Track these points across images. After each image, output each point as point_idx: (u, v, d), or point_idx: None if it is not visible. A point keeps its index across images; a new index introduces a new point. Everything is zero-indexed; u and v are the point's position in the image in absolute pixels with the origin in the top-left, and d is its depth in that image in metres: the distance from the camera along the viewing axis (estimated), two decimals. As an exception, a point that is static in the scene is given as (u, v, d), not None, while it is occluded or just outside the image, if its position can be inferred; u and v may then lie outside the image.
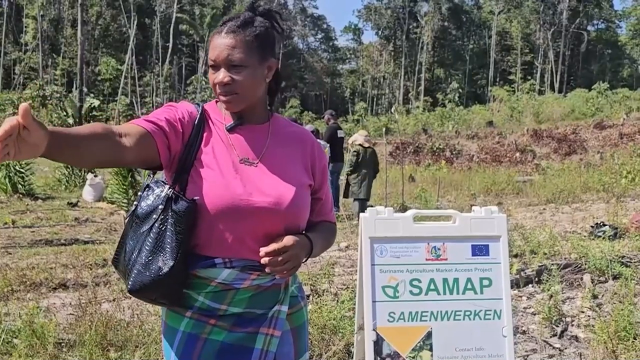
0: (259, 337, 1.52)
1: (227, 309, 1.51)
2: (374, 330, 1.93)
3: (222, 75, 1.49)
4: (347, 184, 9.21)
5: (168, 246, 1.46)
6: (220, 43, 1.50)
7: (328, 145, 9.60)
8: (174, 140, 1.49)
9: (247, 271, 1.50)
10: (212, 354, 1.50)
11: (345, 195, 9.39)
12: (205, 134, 1.55)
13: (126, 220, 1.59)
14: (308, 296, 4.10)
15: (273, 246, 1.45)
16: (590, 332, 3.76)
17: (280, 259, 1.45)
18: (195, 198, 1.47)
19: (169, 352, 1.54)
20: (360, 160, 9.07)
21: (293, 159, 1.61)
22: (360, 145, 9.18)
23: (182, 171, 1.51)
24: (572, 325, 3.99)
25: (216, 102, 1.64)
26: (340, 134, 10.21)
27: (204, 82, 45.52)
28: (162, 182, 1.56)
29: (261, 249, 1.45)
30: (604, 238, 6.35)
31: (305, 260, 1.58)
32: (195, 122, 1.54)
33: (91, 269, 5.31)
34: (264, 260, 1.44)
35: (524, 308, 4.36)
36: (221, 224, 1.47)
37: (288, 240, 1.47)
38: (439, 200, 11.33)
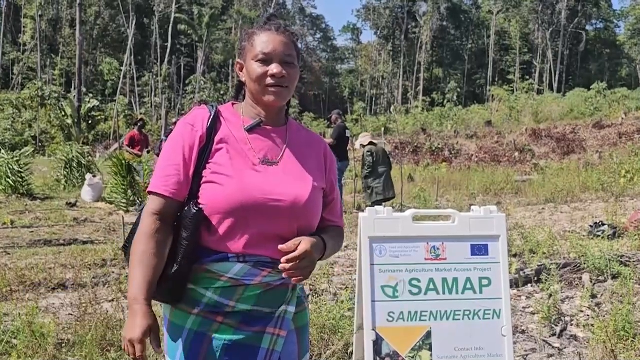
0: (265, 336, 1.52)
1: (235, 305, 1.51)
2: (373, 330, 1.93)
3: (278, 68, 1.53)
4: (367, 188, 9.07)
5: (174, 249, 1.51)
6: (275, 39, 1.54)
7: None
8: (190, 167, 1.54)
9: (259, 267, 1.51)
10: (219, 352, 1.50)
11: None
12: (217, 135, 1.56)
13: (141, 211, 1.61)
14: (307, 296, 4.10)
15: (294, 255, 1.46)
16: (589, 332, 3.76)
17: (298, 263, 1.46)
18: (202, 205, 1.49)
19: (173, 351, 1.53)
20: (376, 159, 8.98)
21: (309, 161, 1.64)
22: (370, 144, 9.12)
23: (195, 173, 1.53)
24: (571, 325, 3.99)
25: (232, 104, 1.66)
26: (347, 133, 10.25)
27: (202, 82, 45.43)
28: None
29: (283, 258, 1.46)
30: (602, 237, 6.36)
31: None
32: (208, 125, 1.56)
33: (90, 269, 5.32)
34: (284, 266, 1.45)
35: (523, 307, 4.36)
36: (236, 221, 1.48)
37: (306, 244, 1.48)
38: (438, 200, 11.33)
